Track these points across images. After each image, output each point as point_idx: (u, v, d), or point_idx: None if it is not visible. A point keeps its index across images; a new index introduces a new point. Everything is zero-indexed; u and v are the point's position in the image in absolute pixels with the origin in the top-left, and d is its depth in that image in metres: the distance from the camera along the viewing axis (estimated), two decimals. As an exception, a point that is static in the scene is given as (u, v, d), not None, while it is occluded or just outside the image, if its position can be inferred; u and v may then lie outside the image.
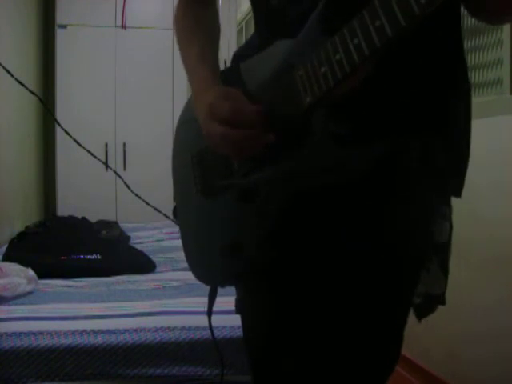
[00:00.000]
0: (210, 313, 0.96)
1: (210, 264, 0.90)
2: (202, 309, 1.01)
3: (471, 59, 2.09)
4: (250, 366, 0.88)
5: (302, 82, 0.67)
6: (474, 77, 2.09)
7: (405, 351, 0.81)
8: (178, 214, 1.00)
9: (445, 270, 0.82)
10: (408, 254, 0.77)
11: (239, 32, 4.59)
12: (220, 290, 0.94)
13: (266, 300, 0.82)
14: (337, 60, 0.61)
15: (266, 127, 0.71)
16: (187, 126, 0.93)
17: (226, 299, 0.94)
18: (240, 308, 0.93)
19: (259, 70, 0.78)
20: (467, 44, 2.10)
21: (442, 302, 0.83)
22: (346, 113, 0.71)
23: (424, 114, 0.75)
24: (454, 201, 0.82)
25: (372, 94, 0.72)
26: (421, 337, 2.14)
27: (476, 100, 2.06)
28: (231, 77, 0.84)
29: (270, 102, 0.73)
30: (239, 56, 0.90)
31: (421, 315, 0.83)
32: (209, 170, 0.86)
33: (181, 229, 1.00)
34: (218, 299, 0.98)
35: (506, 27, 1.89)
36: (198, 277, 0.96)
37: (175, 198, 1.01)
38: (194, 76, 0.87)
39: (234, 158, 0.78)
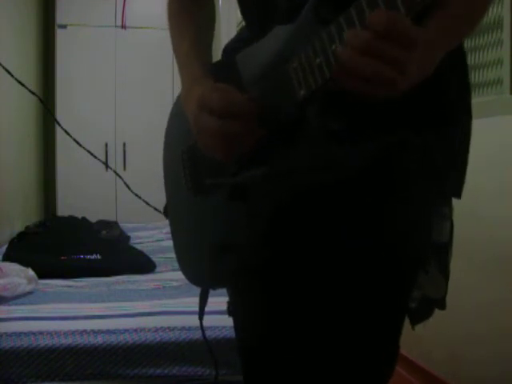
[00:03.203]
0: (201, 315, 0.95)
1: (202, 265, 0.88)
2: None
3: (471, 59, 2.09)
4: (242, 368, 0.87)
5: (296, 74, 0.64)
6: (474, 77, 2.09)
7: (405, 352, 0.80)
8: (168, 213, 0.97)
9: (445, 274, 0.80)
10: (405, 254, 0.75)
11: (239, 32, 4.58)
12: (217, 290, 0.93)
13: (259, 300, 0.81)
14: (333, 51, 0.58)
15: (259, 122, 0.69)
16: (178, 119, 0.90)
17: (224, 299, 0.94)
18: (232, 310, 0.91)
19: (256, 62, 0.75)
20: (467, 44, 2.10)
21: (443, 306, 0.81)
22: (342, 107, 0.68)
23: (421, 110, 0.74)
24: (455, 201, 0.81)
25: None
26: (421, 337, 2.14)
27: (476, 100, 2.05)
28: (227, 70, 0.81)
29: (264, 96, 0.71)
30: (231, 49, 0.87)
31: (415, 321, 0.80)
32: (200, 166, 0.83)
33: (171, 228, 0.97)
34: (217, 299, 0.97)
35: (506, 27, 1.89)
36: (190, 279, 0.94)
37: (166, 195, 0.97)
38: (184, 71, 0.84)
39: (223, 158, 0.73)
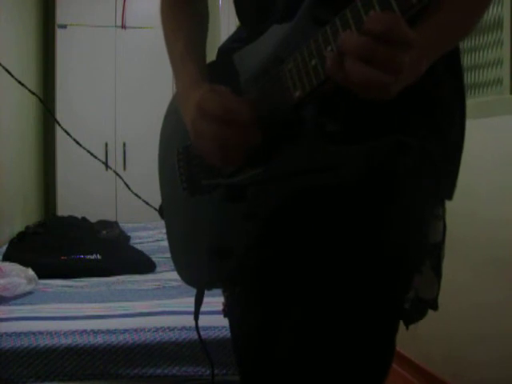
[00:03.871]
0: (197, 316, 0.94)
1: (197, 267, 0.87)
2: (202, 309, 1.01)
3: (471, 59, 2.09)
4: (239, 369, 0.86)
5: (292, 75, 0.64)
6: (474, 77, 2.09)
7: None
8: (163, 213, 0.97)
9: (438, 273, 0.80)
10: (403, 254, 0.75)
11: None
12: (218, 290, 0.92)
13: (255, 301, 0.81)
14: (328, 52, 0.58)
15: (257, 126, 0.69)
16: (174, 118, 0.90)
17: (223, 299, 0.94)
18: (228, 311, 0.90)
19: (252, 63, 0.75)
20: (467, 44, 2.10)
21: (435, 307, 0.81)
22: (338, 109, 0.68)
23: (417, 112, 0.74)
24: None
25: None
26: (421, 337, 2.14)
27: (476, 100, 2.05)
28: (224, 71, 0.80)
29: (260, 98, 0.71)
30: (226, 49, 0.87)
31: (409, 321, 0.79)
32: (195, 167, 0.83)
33: (166, 228, 0.97)
34: (217, 299, 0.97)
35: (506, 27, 1.89)
36: (184, 279, 0.93)
37: (161, 195, 0.97)
38: (180, 72, 0.84)
39: (220, 162, 0.73)
